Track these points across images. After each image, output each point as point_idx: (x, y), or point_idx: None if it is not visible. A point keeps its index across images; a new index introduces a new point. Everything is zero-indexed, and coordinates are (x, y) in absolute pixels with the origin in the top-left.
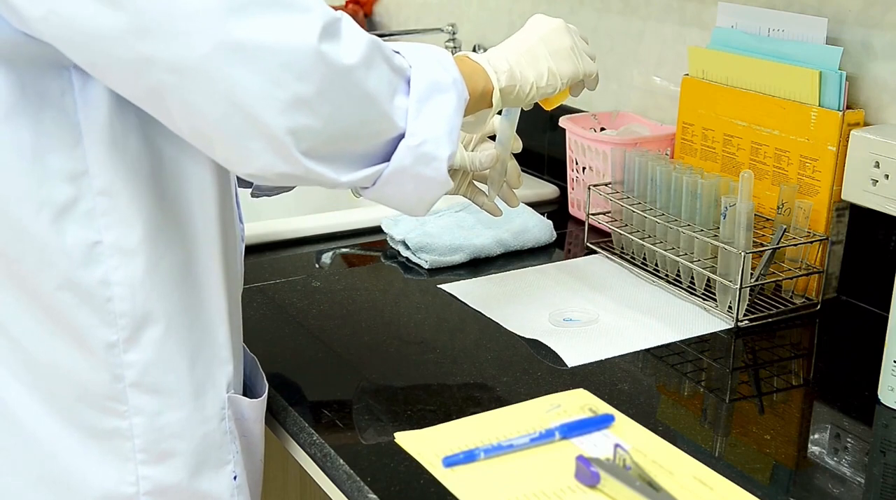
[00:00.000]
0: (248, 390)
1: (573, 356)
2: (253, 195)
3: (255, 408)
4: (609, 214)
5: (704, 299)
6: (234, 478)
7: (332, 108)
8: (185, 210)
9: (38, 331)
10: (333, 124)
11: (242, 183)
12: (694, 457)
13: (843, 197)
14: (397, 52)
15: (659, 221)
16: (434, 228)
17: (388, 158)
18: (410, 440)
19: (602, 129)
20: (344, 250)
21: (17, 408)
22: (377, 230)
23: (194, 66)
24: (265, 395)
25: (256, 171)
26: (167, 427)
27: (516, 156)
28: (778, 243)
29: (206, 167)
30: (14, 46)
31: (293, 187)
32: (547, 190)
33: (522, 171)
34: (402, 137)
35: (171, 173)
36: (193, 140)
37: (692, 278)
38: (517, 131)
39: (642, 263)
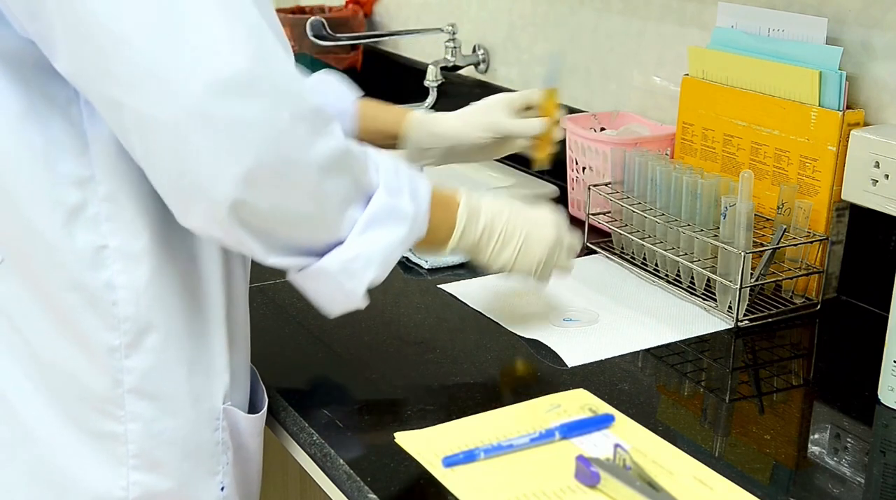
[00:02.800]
0: (248, 405)
1: (573, 356)
2: None
3: (252, 423)
4: (609, 214)
5: (704, 299)
6: (222, 489)
7: (281, 195)
8: None
9: (46, 329)
10: (277, 210)
11: None
12: (694, 457)
13: (843, 197)
14: (379, 169)
15: (659, 221)
16: None
17: (320, 255)
18: (410, 440)
19: (602, 129)
20: None
21: (20, 402)
22: None
23: (163, 123)
24: (264, 410)
25: (193, 228)
26: (161, 434)
27: (517, 156)
28: (778, 243)
29: None
30: (22, 53)
31: None
32: (547, 190)
33: (522, 170)
34: (339, 243)
35: None
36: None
37: (692, 278)
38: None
39: (642, 263)
